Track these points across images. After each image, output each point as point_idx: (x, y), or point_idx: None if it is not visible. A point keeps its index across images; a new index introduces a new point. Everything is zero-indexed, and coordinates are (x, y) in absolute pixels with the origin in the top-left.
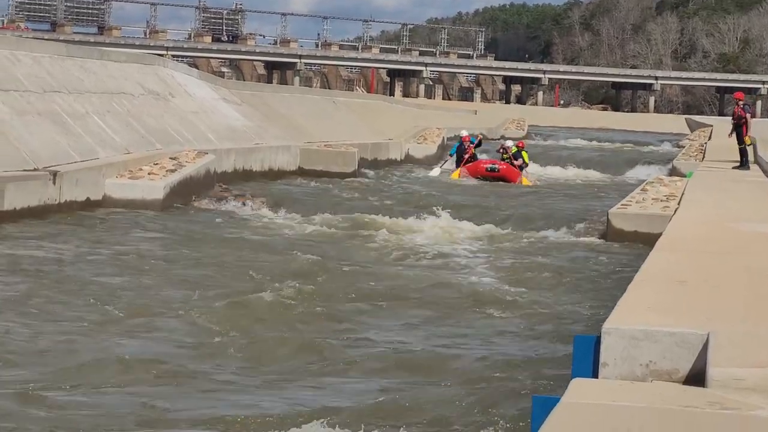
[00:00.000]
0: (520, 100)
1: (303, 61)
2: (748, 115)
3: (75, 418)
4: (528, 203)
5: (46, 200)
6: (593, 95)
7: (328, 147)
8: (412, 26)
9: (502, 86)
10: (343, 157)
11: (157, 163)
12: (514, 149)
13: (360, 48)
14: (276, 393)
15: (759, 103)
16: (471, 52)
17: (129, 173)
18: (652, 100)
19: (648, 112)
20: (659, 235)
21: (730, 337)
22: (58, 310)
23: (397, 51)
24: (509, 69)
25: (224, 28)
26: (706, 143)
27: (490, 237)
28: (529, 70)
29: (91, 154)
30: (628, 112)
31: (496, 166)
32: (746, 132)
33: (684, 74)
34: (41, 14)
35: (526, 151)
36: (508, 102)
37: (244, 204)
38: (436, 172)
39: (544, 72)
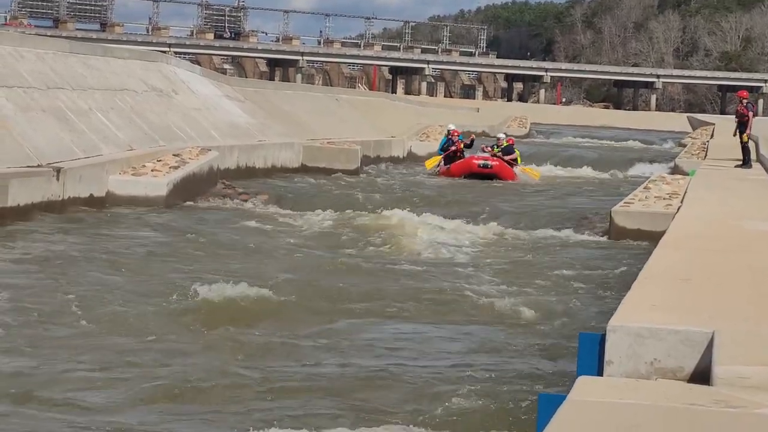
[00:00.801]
0: (522, 98)
1: (305, 58)
2: (750, 114)
3: (72, 415)
4: (530, 201)
5: (50, 196)
6: (595, 93)
7: (330, 144)
8: (414, 24)
9: (504, 84)
10: (346, 154)
11: (160, 160)
12: (505, 143)
13: (362, 45)
14: (271, 391)
15: (761, 101)
16: (473, 50)
17: (132, 170)
18: (653, 98)
19: (650, 110)
20: (662, 233)
21: (735, 336)
22: (58, 306)
23: (400, 48)
24: (511, 67)
25: (227, 25)
26: (708, 141)
27: (493, 235)
28: (531, 68)
29: (94, 151)
30: (629, 110)
31: (489, 162)
32: (748, 130)
33: (686, 72)
34: (44, 11)
35: (517, 149)
36: (510, 100)
37: (246, 201)
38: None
39: (546, 70)
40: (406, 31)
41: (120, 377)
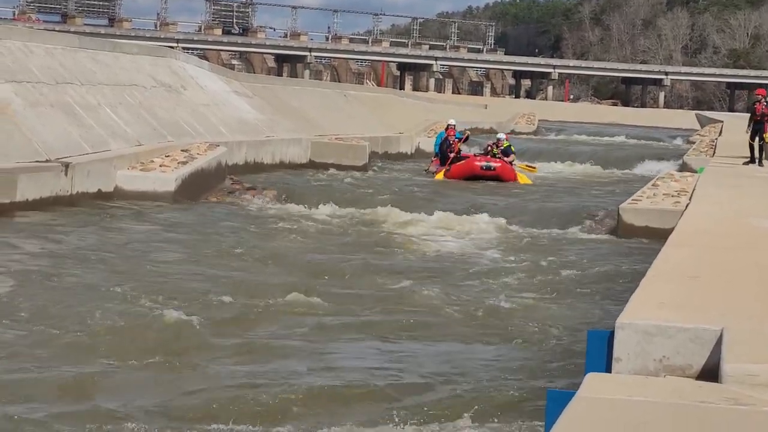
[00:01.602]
0: (530, 95)
1: (313, 54)
2: None
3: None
4: (538, 199)
5: (58, 191)
6: (603, 90)
7: (339, 140)
8: (422, 20)
9: (511, 81)
10: (354, 150)
11: (168, 155)
12: (506, 143)
13: (370, 42)
14: (279, 390)
15: None
16: (481, 47)
17: (140, 165)
18: (662, 95)
19: (658, 107)
20: (670, 230)
21: (744, 333)
22: (59, 303)
23: (408, 45)
24: (519, 63)
25: (235, 20)
26: (716, 139)
27: (500, 233)
28: (539, 65)
29: (102, 146)
30: (638, 107)
31: (492, 164)
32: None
33: (694, 70)
34: (52, 6)
35: (512, 145)
36: (517, 96)
37: (254, 197)
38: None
39: (554, 67)
40: (415, 27)
41: (121, 375)
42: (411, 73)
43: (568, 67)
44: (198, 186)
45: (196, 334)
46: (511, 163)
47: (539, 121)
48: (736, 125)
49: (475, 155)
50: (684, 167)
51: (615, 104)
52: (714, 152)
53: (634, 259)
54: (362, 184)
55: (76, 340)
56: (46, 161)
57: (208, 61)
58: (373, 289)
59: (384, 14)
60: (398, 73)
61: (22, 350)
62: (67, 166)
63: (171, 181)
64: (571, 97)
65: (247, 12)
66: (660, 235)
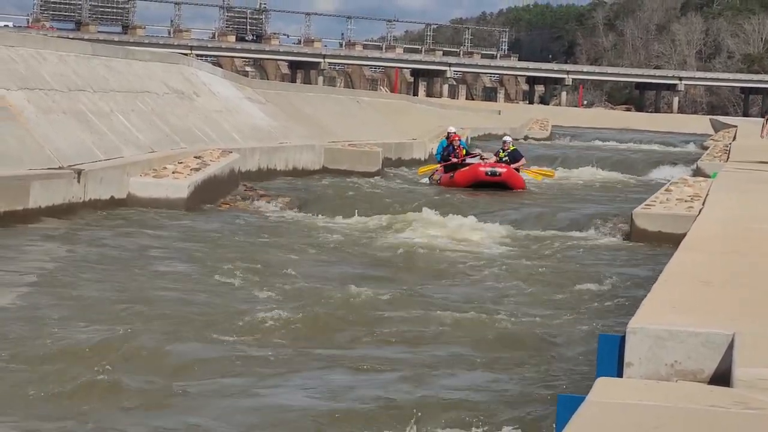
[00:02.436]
0: (544, 101)
1: (327, 60)
2: None
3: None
4: (550, 203)
5: (71, 198)
6: (617, 96)
7: (352, 146)
8: (435, 26)
9: (525, 86)
10: (368, 156)
11: (181, 162)
12: (512, 147)
13: (384, 48)
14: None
15: None
16: (494, 53)
17: (153, 172)
18: (676, 100)
19: (672, 112)
20: (683, 235)
21: (756, 338)
22: (68, 312)
23: (421, 51)
24: (533, 69)
25: (248, 27)
26: (730, 144)
27: (513, 237)
28: (553, 71)
29: (115, 153)
30: (651, 112)
31: (497, 169)
32: None
33: (708, 75)
34: (66, 13)
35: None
36: (531, 102)
37: (268, 203)
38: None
39: (568, 72)
40: (428, 33)
41: (131, 390)
42: (425, 79)
43: (581, 72)
44: (211, 193)
45: (205, 347)
46: (519, 167)
47: (553, 126)
48: (750, 130)
49: (482, 158)
50: (697, 172)
51: (629, 110)
52: (728, 157)
53: (646, 264)
54: (376, 191)
55: (82, 351)
56: (59, 168)
57: (222, 68)
58: (382, 289)
59: (398, 20)
60: (412, 80)
61: (24, 355)
62: (79, 173)
63: (184, 187)
64: (585, 102)
65: (261, 19)
66: (673, 240)
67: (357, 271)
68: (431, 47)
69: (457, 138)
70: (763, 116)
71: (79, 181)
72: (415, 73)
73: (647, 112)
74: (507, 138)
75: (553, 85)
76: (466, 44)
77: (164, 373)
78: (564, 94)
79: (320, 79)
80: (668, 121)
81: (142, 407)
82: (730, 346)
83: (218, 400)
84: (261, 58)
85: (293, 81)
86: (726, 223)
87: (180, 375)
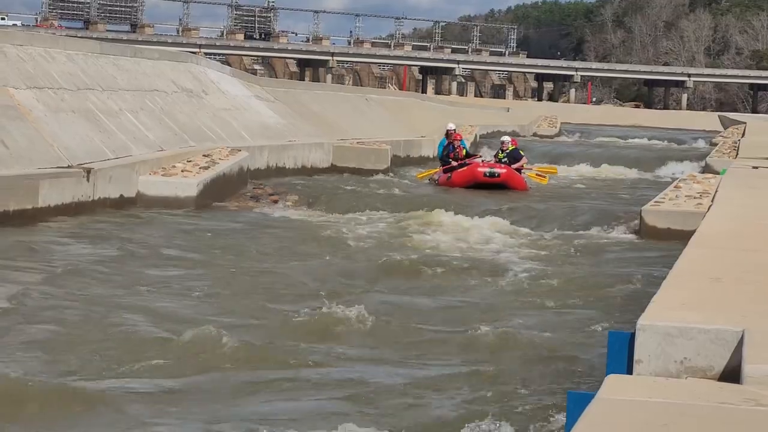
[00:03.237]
0: (553, 98)
1: (335, 58)
2: None
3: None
4: (558, 201)
5: (80, 197)
6: (625, 93)
7: (361, 144)
8: (444, 24)
9: (534, 84)
10: (376, 154)
11: (190, 161)
12: (511, 147)
13: (392, 45)
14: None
15: None
16: (503, 50)
17: (162, 170)
18: (684, 97)
19: (681, 109)
20: (692, 232)
21: (766, 335)
22: (78, 313)
23: (430, 48)
24: (541, 66)
25: (257, 25)
26: (739, 140)
27: (522, 235)
28: (562, 68)
29: (124, 151)
30: (660, 109)
31: (496, 170)
32: None
33: (717, 71)
34: (74, 12)
35: (522, 150)
36: (540, 99)
37: (277, 202)
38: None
39: (576, 69)
40: (437, 31)
41: (137, 392)
42: (433, 77)
43: (590, 69)
44: (220, 191)
45: (211, 342)
46: (521, 168)
47: (561, 123)
48: (759, 127)
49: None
50: (707, 169)
51: (637, 106)
52: (737, 154)
53: (655, 261)
54: (384, 188)
55: (89, 350)
56: (68, 167)
57: (231, 66)
58: (392, 286)
59: (406, 18)
60: (420, 77)
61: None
62: (89, 171)
63: (193, 186)
64: (594, 99)
65: (269, 17)
66: (682, 237)
67: (364, 270)
68: (440, 45)
69: (458, 137)
70: None
71: (88, 180)
72: (424, 70)
73: (656, 108)
74: (505, 138)
75: (561, 82)
76: (474, 41)
77: (175, 368)
78: (573, 91)
79: (329, 77)
80: (677, 117)
81: (143, 407)
82: (740, 343)
83: (249, 397)
84: (269, 57)
85: (302, 79)
86: (735, 219)
87: (180, 376)
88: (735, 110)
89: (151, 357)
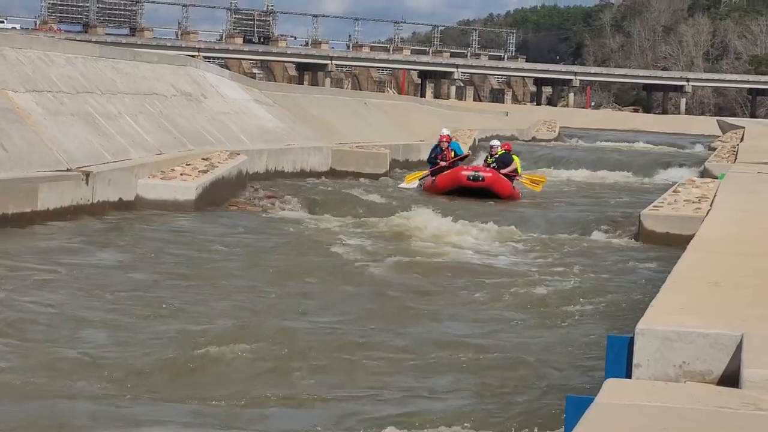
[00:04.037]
0: (551, 102)
1: (334, 62)
2: None
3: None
4: (556, 205)
5: (79, 200)
6: (624, 97)
7: (359, 148)
8: (443, 28)
9: (533, 88)
10: (375, 158)
11: (189, 164)
12: (501, 151)
13: (391, 50)
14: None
15: None
16: (502, 54)
17: (161, 174)
18: (683, 101)
19: (679, 114)
20: (691, 236)
21: (765, 339)
22: (83, 313)
23: (428, 53)
24: (540, 71)
25: (256, 29)
26: (738, 145)
27: (518, 239)
28: (560, 72)
29: (123, 155)
30: (659, 114)
31: (480, 174)
32: None
33: (716, 76)
34: (73, 16)
35: (516, 155)
36: (539, 104)
37: (275, 205)
38: (413, 185)
39: (575, 74)
40: (435, 35)
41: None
42: (432, 81)
43: (589, 74)
44: (219, 194)
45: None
46: (509, 173)
47: (560, 128)
48: (758, 131)
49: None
50: (705, 173)
51: (636, 111)
52: (735, 158)
53: (654, 265)
54: (383, 192)
55: (81, 358)
56: (67, 170)
57: (230, 70)
58: (390, 291)
59: (405, 22)
60: (419, 81)
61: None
62: (87, 175)
63: (192, 189)
64: (593, 104)
65: (268, 21)
66: (681, 242)
67: (361, 273)
68: (438, 49)
69: (445, 139)
70: None
71: (87, 183)
72: (423, 74)
73: (655, 113)
74: (494, 142)
75: (560, 86)
76: (473, 46)
77: (175, 373)
78: (571, 95)
79: (327, 81)
80: (675, 122)
81: (146, 405)
82: (739, 347)
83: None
84: (268, 60)
85: (300, 83)
86: (734, 224)
87: (182, 375)
88: (733, 115)
89: (148, 360)
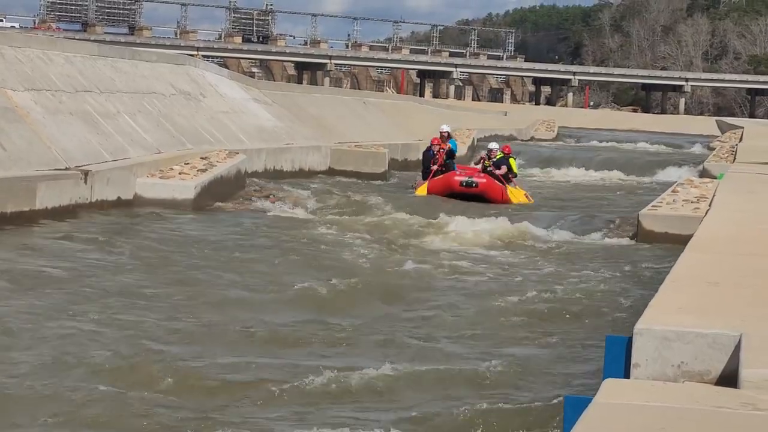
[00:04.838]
0: (550, 102)
1: (333, 61)
2: None
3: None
4: (556, 205)
5: (78, 199)
6: (623, 97)
7: (358, 147)
8: (442, 27)
9: (531, 88)
10: (374, 157)
11: (188, 163)
12: (499, 155)
13: (390, 49)
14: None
15: None
16: (501, 54)
17: (160, 173)
18: (682, 101)
19: (678, 114)
20: (690, 236)
21: (763, 339)
22: (82, 312)
23: (427, 52)
24: (539, 70)
25: (255, 28)
26: (737, 145)
27: (520, 239)
28: (559, 72)
29: (122, 154)
30: (658, 113)
31: (474, 179)
32: None
33: (715, 76)
34: (72, 14)
35: (514, 158)
36: (537, 103)
37: (274, 204)
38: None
39: (574, 73)
40: (434, 34)
41: (132, 393)
42: (431, 81)
43: (588, 73)
44: (218, 193)
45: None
46: (504, 177)
47: (559, 127)
48: (757, 131)
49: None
50: (704, 173)
51: (635, 111)
52: (734, 158)
53: (653, 265)
54: (382, 191)
55: (79, 357)
56: (66, 169)
57: (228, 69)
58: (388, 291)
59: (404, 22)
60: (418, 81)
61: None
62: (86, 173)
63: (191, 188)
64: (592, 103)
65: (267, 20)
66: (679, 242)
67: (359, 274)
68: (437, 48)
69: (437, 142)
70: None
71: (86, 182)
72: (422, 74)
73: (653, 113)
74: (493, 145)
75: (559, 86)
76: (472, 45)
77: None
78: (570, 95)
79: (326, 80)
80: (674, 122)
81: (149, 403)
82: (737, 347)
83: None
84: (267, 60)
85: (299, 82)
86: (733, 224)
87: (181, 375)
88: (732, 115)
89: (146, 362)
